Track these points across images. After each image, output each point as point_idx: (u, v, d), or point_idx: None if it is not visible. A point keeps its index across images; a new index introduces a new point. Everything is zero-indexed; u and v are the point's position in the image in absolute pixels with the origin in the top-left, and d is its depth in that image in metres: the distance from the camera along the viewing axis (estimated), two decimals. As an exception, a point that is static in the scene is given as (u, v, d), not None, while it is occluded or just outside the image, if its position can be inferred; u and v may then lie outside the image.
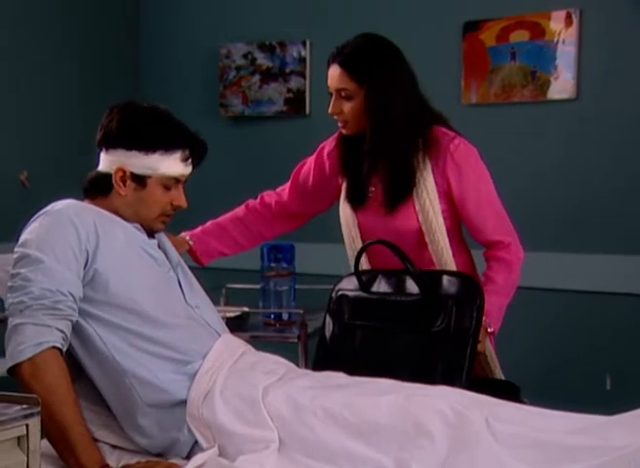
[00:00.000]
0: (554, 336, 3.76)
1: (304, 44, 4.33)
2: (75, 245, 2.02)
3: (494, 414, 1.86)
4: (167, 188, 2.18)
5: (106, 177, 2.17)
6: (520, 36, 3.82)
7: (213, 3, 4.58)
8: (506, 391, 2.22)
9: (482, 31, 3.89)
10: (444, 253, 2.52)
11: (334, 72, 2.51)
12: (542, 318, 3.73)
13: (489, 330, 2.47)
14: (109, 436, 2.08)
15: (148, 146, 2.13)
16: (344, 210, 2.65)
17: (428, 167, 2.49)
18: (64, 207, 2.11)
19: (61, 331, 1.97)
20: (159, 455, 2.05)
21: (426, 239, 2.52)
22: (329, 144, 2.73)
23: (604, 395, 3.64)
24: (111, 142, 2.16)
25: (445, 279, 2.43)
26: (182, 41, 4.63)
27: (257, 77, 4.45)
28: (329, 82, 2.52)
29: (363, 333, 2.47)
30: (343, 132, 2.57)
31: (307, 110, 4.36)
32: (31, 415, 1.64)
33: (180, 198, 2.21)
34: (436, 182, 2.49)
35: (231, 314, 3.01)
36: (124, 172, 2.14)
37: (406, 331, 2.42)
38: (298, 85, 4.37)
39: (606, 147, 3.73)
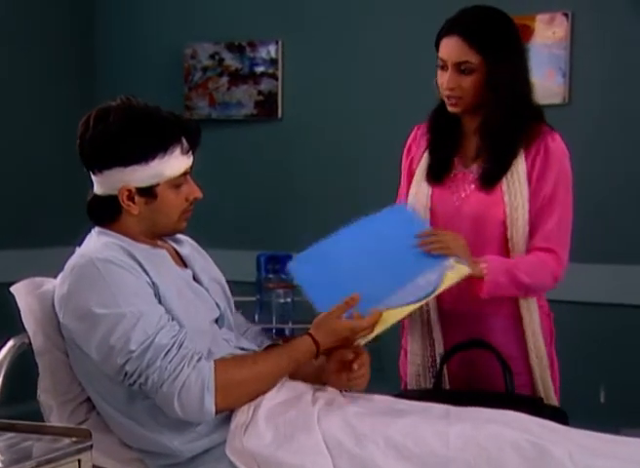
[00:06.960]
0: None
1: (276, 44, 4.14)
2: (134, 282, 1.91)
3: (577, 446, 1.70)
4: (178, 187, 2.01)
5: (111, 200, 2.00)
6: (509, 39, 3.71)
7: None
8: (552, 417, 2.03)
9: (469, 33, 3.76)
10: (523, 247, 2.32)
11: (453, 44, 2.30)
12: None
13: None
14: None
15: (145, 156, 1.95)
16: (418, 189, 2.43)
17: (521, 150, 2.34)
18: (95, 253, 1.94)
19: (199, 360, 1.88)
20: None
21: (507, 224, 2.32)
22: (414, 139, 2.53)
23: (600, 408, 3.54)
24: (104, 164, 1.97)
25: None
26: (143, 40, 4.40)
27: (225, 78, 4.24)
28: (444, 55, 2.32)
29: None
30: (453, 109, 2.36)
31: (279, 114, 4.19)
32: (84, 450, 1.48)
33: (193, 190, 2.04)
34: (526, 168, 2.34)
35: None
36: (129, 190, 1.97)
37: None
38: (269, 87, 4.18)
39: (598, 153, 3.64)
